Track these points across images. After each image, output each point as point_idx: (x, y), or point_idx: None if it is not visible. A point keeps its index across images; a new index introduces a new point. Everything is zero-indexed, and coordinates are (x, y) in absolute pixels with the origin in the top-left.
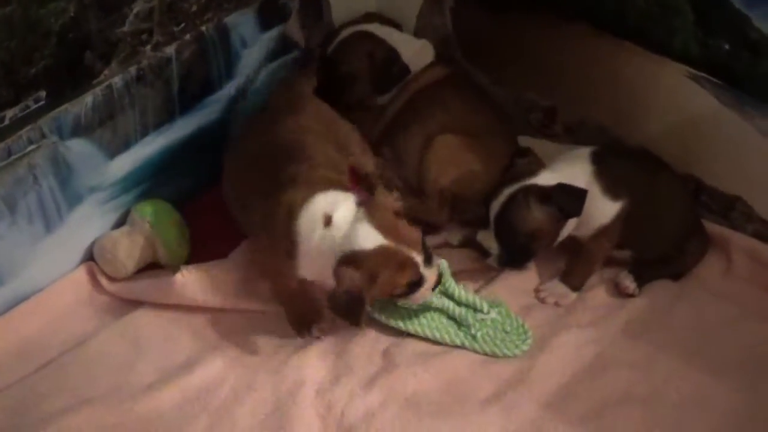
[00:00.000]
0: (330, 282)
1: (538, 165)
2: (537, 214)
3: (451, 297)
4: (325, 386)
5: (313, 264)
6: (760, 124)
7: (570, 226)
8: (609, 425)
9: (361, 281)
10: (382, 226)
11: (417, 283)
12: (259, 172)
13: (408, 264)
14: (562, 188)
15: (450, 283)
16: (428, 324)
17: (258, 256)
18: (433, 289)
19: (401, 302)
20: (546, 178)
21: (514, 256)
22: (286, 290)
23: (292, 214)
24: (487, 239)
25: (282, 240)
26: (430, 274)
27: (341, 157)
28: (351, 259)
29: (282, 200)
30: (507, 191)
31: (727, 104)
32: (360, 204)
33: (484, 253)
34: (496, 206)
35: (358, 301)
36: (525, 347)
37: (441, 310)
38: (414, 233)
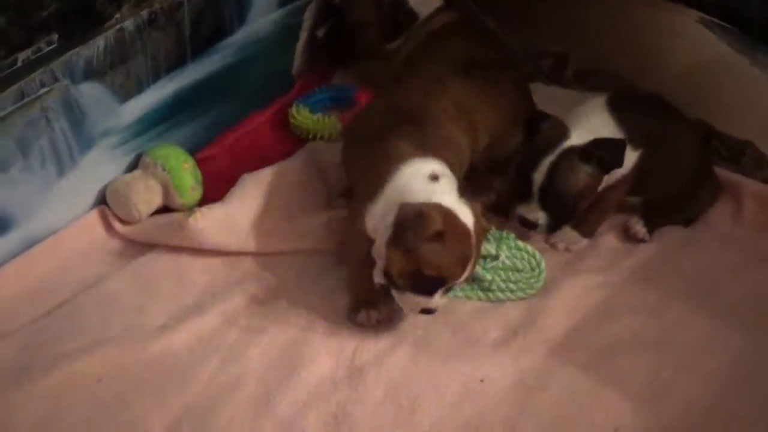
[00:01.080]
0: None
1: (562, 126)
2: (582, 175)
3: None
4: (336, 327)
5: (386, 209)
6: None
7: (606, 179)
8: (617, 369)
9: (436, 224)
10: (477, 228)
11: (437, 286)
12: (383, 129)
13: (464, 264)
14: (600, 143)
15: None
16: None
17: (350, 211)
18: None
19: (396, 293)
20: (579, 137)
21: (562, 221)
22: (357, 257)
23: (398, 159)
24: (532, 211)
25: (375, 179)
26: (435, 302)
27: (466, 144)
28: (441, 209)
29: (397, 145)
30: (548, 159)
31: (739, 50)
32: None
33: (528, 226)
34: (539, 176)
35: (418, 225)
36: (539, 284)
37: None
38: (478, 259)
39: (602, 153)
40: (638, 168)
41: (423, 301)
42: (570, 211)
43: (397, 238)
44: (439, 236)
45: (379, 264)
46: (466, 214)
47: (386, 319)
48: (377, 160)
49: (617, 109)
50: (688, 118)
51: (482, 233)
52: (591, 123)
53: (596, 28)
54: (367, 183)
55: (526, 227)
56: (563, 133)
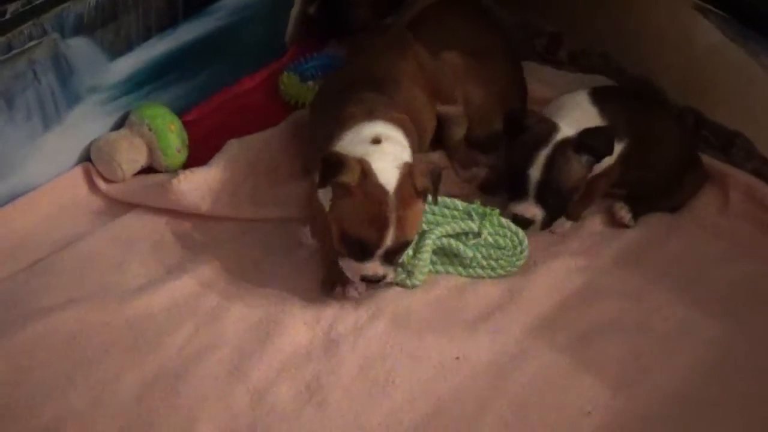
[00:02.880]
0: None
1: (548, 120)
2: (578, 166)
3: (440, 235)
4: (313, 298)
5: None
6: (764, 60)
7: (596, 167)
8: (595, 352)
9: (350, 175)
10: (401, 190)
11: (365, 251)
12: (341, 94)
13: (379, 227)
14: (591, 132)
15: (440, 229)
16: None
17: (310, 182)
18: (363, 281)
19: (340, 261)
20: (568, 130)
21: (556, 215)
22: (324, 231)
23: (345, 123)
24: (528, 209)
25: (328, 138)
26: (372, 269)
27: (428, 106)
28: (365, 166)
29: (346, 111)
30: (543, 153)
31: (733, 39)
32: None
33: (524, 224)
34: (535, 172)
35: (337, 167)
36: (521, 262)
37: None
38: (410, 226)
39: (594, 142)
40: (623, 157)
41: (358, 266)
42: (565, 205)
43: (320, 180)
44: (348, 190)
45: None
46: (387, 176)
47: (361, 292)
48: (329, 127)
49: (600, 101)
50: (674, 107)
51: (413, 198)
52: (575, 116)
53: (590, 8)
54: (323, 142)
55: (521, 226)
56: (553, 127)
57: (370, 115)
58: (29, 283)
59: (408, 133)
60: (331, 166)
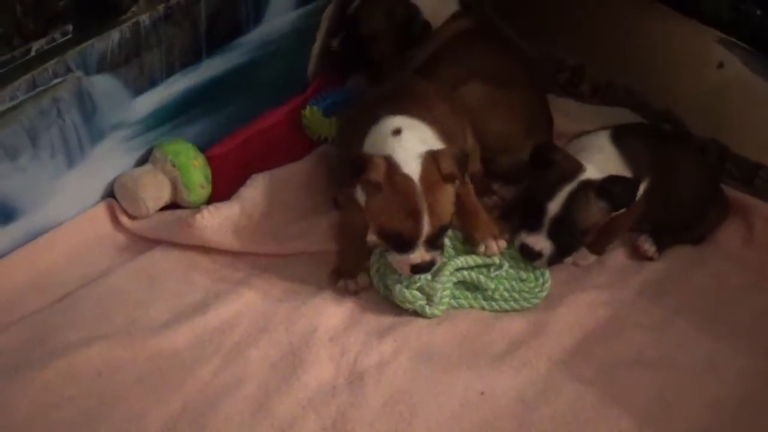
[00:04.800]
0: None
1: (574, 159)
2: (596, 209)
3: (461, 268)
4: (338, 332)
5: None
6: None
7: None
8: (621, 386)
9: (375, 172)
10: (426, 176)
11: (406, 242)
12: (370, 107)
13: (413, 216)
14: (615, 180)
15: (455, 261)
16: (446, 299)
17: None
18: (414, 272)
19: (388, 257)
20: (592, 172)
21: (566, 253)
22: (349, 227)
23: (374, 120)
24: (539, 241)
25: (355, 145)
26: (419, 257)
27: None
28: (389, 161)
29: (375, 112)
30: (566, 190)
31: (756, 71)
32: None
33: (532, 256)
34: (554, 206)
35: (362, 167)
36: (543, 293)
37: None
38: (444, 209)
39: (616, 190)
40: (647, 195)
41: (406, 258)
42: (577, 245)
43: (347, 181)
44: (376, 187)
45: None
46: (411, 165)
47: (363, 288)
48: (359, 128)
49: (621, 142)
50: (697, 139)
51: (440, 182)
52: (598, 159)
53: (614, 42)
54: (352, 151)
55: (528, 257)
56: (579, 165)
57: (393, 111)
58: (54, 319)
59: (436, 127)
60: (356, 166)
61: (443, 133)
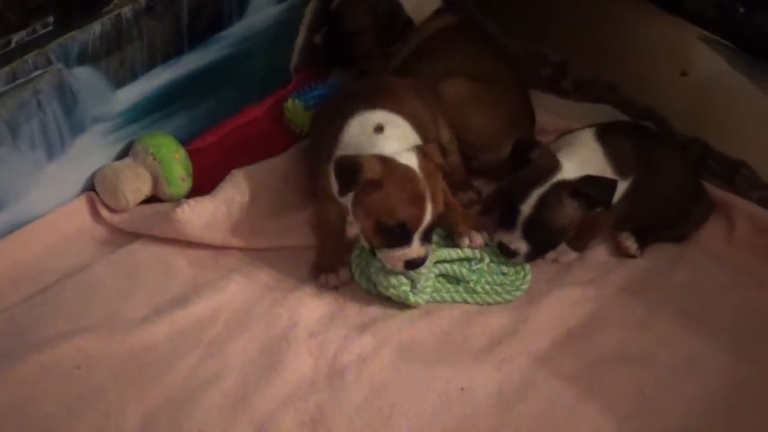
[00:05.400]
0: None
1: (552, 157)
2: (570, 210)
3: (443, 261)
4: (318, 328)
5: None
6: None
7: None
8: (601, 383)
9: (372, 171)
10: (424, 167)
11: (405, 234)
12: (345, 102)
13: (419, 204)
14: (592, 181)
15: (437, 254)
16: (430, 289)
17: (316, 181)
18: (408, 268)
19: (379, 254)
20: (569, 171)
21: (542, 252)
22: (326, 222)
23: (350, 113)
24: (514, 241)
25: (331, 141)
26: (415, 251)
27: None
28: (381, 158)
29: (350, 107)
30: (537, 192)
31: (739, 69)
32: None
33: (508, 253)
34: (527, 209)
35: (354, 170)
36: (525, 285)
37: (438, 274)
38: (440, 197)
39: (592, 191)
40: (630, 193)
41: (401, 253)
42: (552, 244)
43: (341, 189)
44: (377, 184)
45: (356, 229)
46: (408, 157)
47: (344, 283)
48: (334, 123)
49: (606, 140)
50: (680, 137)
51: (436, 172)
52: (580, 155)
53: (597, 38)
54: (325, 148)
55: (505, 255)
56: (554, 165)
57: (371, 105)
58: (33, 312)
59: (411, 121)
60: (347, 170)
61: (417, 126)
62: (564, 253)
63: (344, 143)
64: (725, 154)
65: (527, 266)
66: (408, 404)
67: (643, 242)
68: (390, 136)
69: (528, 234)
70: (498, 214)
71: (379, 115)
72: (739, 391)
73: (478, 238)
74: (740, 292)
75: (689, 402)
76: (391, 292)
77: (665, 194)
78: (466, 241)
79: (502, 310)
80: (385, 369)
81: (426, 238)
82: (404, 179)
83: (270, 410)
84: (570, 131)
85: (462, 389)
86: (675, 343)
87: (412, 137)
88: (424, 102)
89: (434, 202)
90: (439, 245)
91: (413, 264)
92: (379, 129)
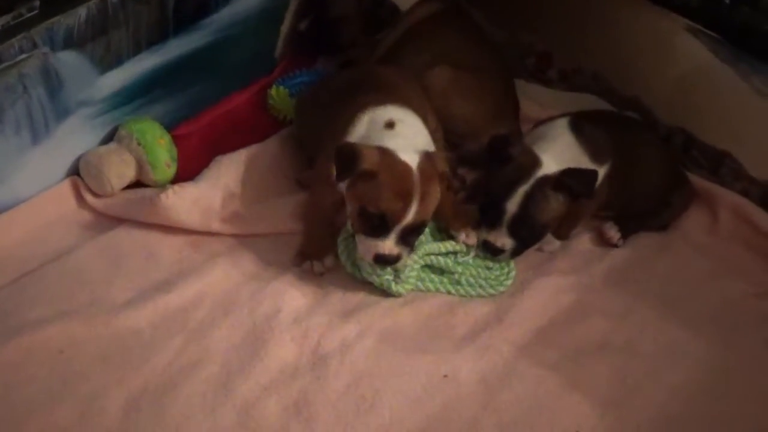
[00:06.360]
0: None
1: (531, 153)
2: (555, 204)
3: (429, 253)
4: (302, 314)
5: None
6: (755, 81)
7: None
8: (584, 371)
9: (369, 162)
10: (423, 169)
11: (384, 226)
12: (341, 93)
13: (404, 199)
14: (572, 173)
15: (426, 246)
16: (413, 279)
17: (315, 168)
18: (377, 262)
19: (356, 239)
20: (548, 165)
21: (527, 246)
22: (319, 208)
23: (361, 108)
24: (499, 237)
25: (338, 132)
26: (388, 247)
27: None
28: (381, 149)
29: (356, 100)
30: (521, 189)
31: (724, 60)
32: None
33: (494, 252)
34: (512, 206)
35: (353, 158)
36: (509, 281)
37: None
38: (431, 203)
39: (574, 183)
40: (608, 179)
41: (374, 244)
42: (538, 239)
43: (338, 175)
44: (371, 174)
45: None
46: (409, 155)
47: (329, 270)
48: (339, 116)
49: (580, 130)
50: (663, 127)
51: (435, 177)
52: (556, 148)
53: (582, 28)
54: (332, 137)
55: (491, 253)
56: (535, 161)
57: (383, 101)
58: (15, 296)
59: (423, 116)
60: (346, 158)
61: (422, 118)
62: (548, 242)
63: (354, 136)
64: (710, 145)
65: (512, 263)
66: (391, 391)
67: (626, 232)
68: (400, 134)
69: (514, 230)
70: (479, 213)
71: (391, 111)
72: (721, 379)
73: (473, 237)
74: (723, 281)
75: (671, 390)
76: (374, 279)
77: (643, 180)
78: (463, 236)
79: (486, 298)
80: (368, 356)
81: (405, 241)
82: (398, 173)
83: (253, 396)
84: (543, 121)
85: (445, 377)
86: (657, 332)
87: (423, 134)
88: (422, 92)
89: (422, 203)
90: (427, 239)
91: (382, 259)
92: (390, 125)
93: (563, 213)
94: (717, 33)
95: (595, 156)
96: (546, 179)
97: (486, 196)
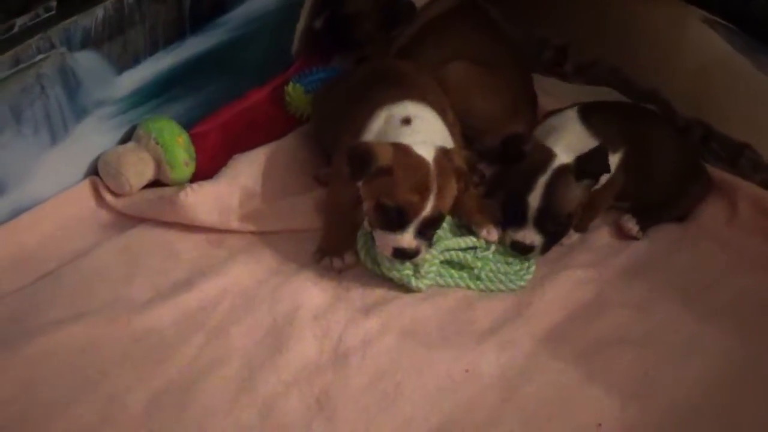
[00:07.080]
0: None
1: (544, 147)
2: (578, 191)
3: (449, 248)
4: (322, 311)
5: None
6: None
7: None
8: (603, 364)
9: (384, 158)
10: (440, 162)
11: (402, 219)
12: (359, 88)
13: (421, 192)
14: (586, 158)
15: (445, 242)
16: (433, 275)
17: (333, 165)
18: (396, 256)
19: (374, 235)
20: (562, 156)
21: (555, 240)
22: (338, 205)
23: (379, 104)
24: (527, 236)
25: (356, 129)
26: (407, 240)
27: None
28: (395, 145)
29: (374, 96)
30: (542, 180)
31: (741, 51)
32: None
33: (524, 250)
34: (534, 199)
35: (367, 157)
36: (529, 276)
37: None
38: (448, 197)
39: (591, 166)
40: (624, 166)
41: (392, 238)
42: (565, 230)
43: (353, 175)
44: (387, 170)
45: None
46: (425, 150)
47: (349, 266)
48: (356, 112)
49: (589, 119)
50: (682, 119)
51: (451, 172)
52: (567, 139)
53: (598, 21)
54: (349, 134)
55: (521, 252)
56: (549, 153)
57: (400, 97)
58: (36, 296)
59: (440, 112)
60: (360, 157)
61: (441, 113)
62: (567, 235)
63: (371, 132)
64: (728, 137)
65: (532, 259)
66: (413, 386)
67: (645, 224)
68: (416, 130)
69: (541, 225)
70: (501, 214)
71: (408, 107)
72: (740, 371)
73: (495, 233)
74: (742, 274)
75: (692, 383)
76: (394, 274)
77: (658, 169)
78: (484, 232)
79: (505, 293)
80: (389, 351)
81: (423, 235)
82: (414, 167)
83: (275, 393)
84: (552, 112)
85: (466, 371)
86: (677, 325)
87: (440, 129)
88: (439, 87)
89: (439, 197)
90: (447, 234)
91: (401, 253)
92: (407, 121)
93: (585, 200)
94: (734, 24)
95: (608, 143)
96: (564, 168)
97: (506, 196)
